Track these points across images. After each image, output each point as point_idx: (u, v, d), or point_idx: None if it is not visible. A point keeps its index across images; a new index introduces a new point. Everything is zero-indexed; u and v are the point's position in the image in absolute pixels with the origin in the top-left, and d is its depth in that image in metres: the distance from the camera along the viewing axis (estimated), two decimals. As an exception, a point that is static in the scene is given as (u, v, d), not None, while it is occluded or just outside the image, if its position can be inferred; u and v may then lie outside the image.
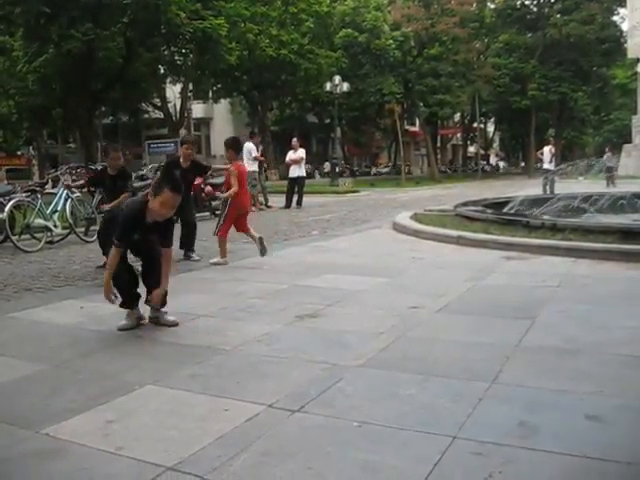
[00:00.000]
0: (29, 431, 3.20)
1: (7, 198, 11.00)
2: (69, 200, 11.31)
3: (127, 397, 3.62)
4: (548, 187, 21.72)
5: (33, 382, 3.97)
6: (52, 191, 11.87)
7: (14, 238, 10.46)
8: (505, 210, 12.52)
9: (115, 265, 4.83)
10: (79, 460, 2.88)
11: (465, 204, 13.35)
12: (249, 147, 18.00)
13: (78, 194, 12.01)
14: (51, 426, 3.24)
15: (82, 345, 4.69)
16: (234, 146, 8.53)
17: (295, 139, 19.57)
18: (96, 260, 9.05)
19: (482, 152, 63.58)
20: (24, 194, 11.46)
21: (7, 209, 10.48)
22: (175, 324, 5.07)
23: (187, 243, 8.84)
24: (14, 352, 4.58)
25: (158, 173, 10.92)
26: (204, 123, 51.26)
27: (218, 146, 48.47)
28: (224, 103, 46.21)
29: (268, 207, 18.65)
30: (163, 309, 5.13)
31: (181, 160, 8.77)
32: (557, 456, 2.81)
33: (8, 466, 2.86)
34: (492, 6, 51.54)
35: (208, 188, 15.67)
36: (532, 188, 22.94)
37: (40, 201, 10.84)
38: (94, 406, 3.49)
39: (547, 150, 22.71)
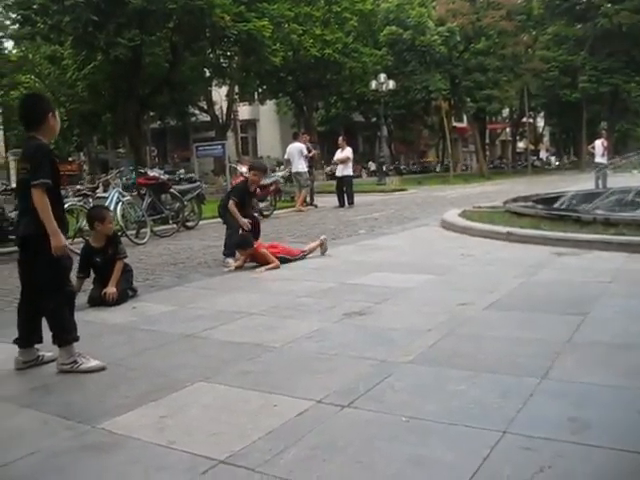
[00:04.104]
0: (86, 425, 3.31)
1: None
2: (120, 204, 11.53)
3: (179, 393, 3.70)
4: (600, 181, 21.28)
5: (88, 379, 4.08)
6: (103, 195, 12.10)
7: (67, 242, 10.68)
8: (556, 205, 12.34)
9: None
10: (134, 453, 2.97)
11: (515, 200, 13.21)
12: (299, 147, 18.04)
13: (129, 197, 12.25)
14: (107, 421, 3.34)
15: (134, 344, 4.81)
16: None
17: (341, 138, 19.55)
18: (146, 261, 9.24)
19: (532, 147, 62.57)
20: (76, 198, 11.72)
21: (60, 213, 10.73)
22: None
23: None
24: (70, 351, 4.70)
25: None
26: (250, 125, 51.67)
27: (265, 147, 48.92)
28: (270, 104, 46.49)
29: (314, 206, 18.69)
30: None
31: (249, 185, 9.12)
32: (608, 451, 2.78)
33: (69, 458, 2.97)
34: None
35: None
36: (584, 183, 22.53)
37: (92, 205, 11.07)
38: (147, 402, 3.58)
39: (599, 143, 22.26)
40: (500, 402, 3.34)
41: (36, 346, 4.47)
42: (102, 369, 4.21)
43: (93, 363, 4.25)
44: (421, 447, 2.89)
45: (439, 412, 3.23)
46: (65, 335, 4.30)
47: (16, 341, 4.42)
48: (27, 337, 4.41)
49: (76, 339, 4.33)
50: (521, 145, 70.61)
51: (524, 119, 58.45)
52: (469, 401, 3.38)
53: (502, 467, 2.69)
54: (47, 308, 4.36)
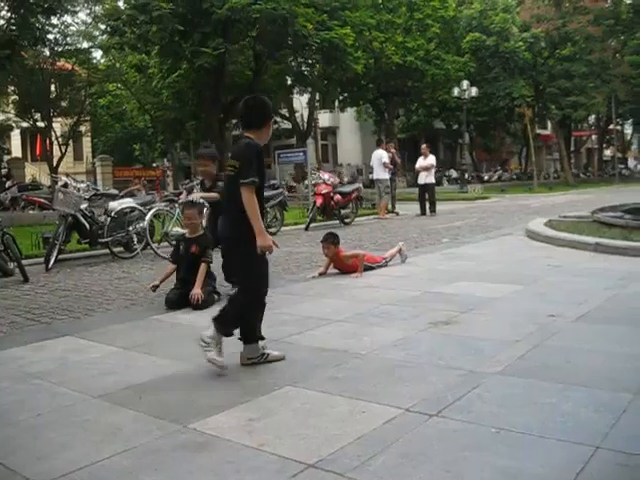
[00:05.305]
0: (178, 425, 3.39)
1: (147, 207, 11.60)
2: (205, 209, 11.74)
3: (267, 397, 3.76)
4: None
5: (178, 380, 4.19)
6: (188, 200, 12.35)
7: (154, 245, 11.03)
8: (646, 215, 11.92)
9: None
10: (225, 454, 3.03)
11: (603, 209, 12.84)
12: (379, 154, 18.04)
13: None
14: (197, 421, 3.42)
15: (222, 347, 4.88)
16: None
17: (425, 145, 19.43)
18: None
19: (619, 155, 60.66)
20: (162, 203, 12.04)
21: (148, 218, 11.06)
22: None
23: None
24: (159, 352, 4.86)
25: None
26: (330, 132, 51.84)
27: (344, 155, 49.02)
28: (350, 112, 46.57)
29: (396, 214, 18.65)
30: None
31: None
32: None
33: (161, 456, 3.05)
34: (628, 1, 49.09)
35: (337, 196, 15.91)
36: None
37: (178, 210, 11.33)
38: (236, 404, 3.65)
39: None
40: (592, 417, 3.27)
41: (261, 343, 4.50)
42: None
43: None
44: (511, 459, 2.85)
45: (530, 424, 3.18)
46: (226, 324, 4.32)
47: (240, 337, 4.50)
48: (246, 334, 4.48)
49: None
50: (608, 153, 68.54)
51: (611, 126, 56.76)
52: (560, 414, 3.31)
53: (597, 483, 2.63)
54: (236, 300, 4.41)
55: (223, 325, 4.31)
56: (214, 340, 4.27)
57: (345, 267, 8.07)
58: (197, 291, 6.38)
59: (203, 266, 6.58)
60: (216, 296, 6.73)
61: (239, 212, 4.18)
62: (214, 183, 7.27)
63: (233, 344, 4.58)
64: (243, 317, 4.38)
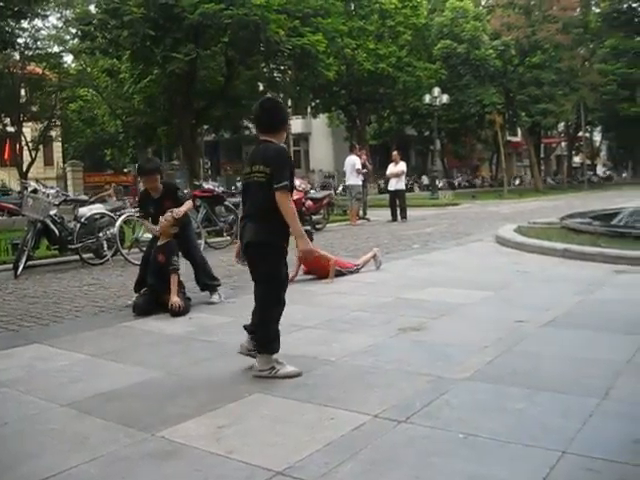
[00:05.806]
0: (146, 433, 3.37)
1: (117, 214, 11.53)
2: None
3: (237, 404, 3.74)
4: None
5: (147, 388, 4.16)
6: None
7: (124, 252, 10.95)
8: (614, 222, 12.09)
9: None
10: (193, 462, 3.02)
11: (572, 216, 12.99)
12: (352, 160, 18.09)
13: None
14: (166, 429, 3.40)
15: (192, 354, 4.88)
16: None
17: (396, 152, 19.51)
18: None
19: (588, 162, 61.42)
20: (133, 210, 11.96)
21: (118, 224, 10.98)
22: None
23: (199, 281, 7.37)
24: (128, 359, 4.82)
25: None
26: (303, 138, 51.87)
27: (316, 161, 49.07)
28: (322, 118, 46.64)
29: (367, 220, 18.69)
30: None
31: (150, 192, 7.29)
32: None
33: (129, 464, 3.03)
34: (597, 10, 49.81)
35: (309, 203, 15.92)
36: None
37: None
38: (205, 411, 3.64)
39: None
40: (559, 421, 3.30)
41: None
42: (298, 375, 4.19)
43: (290, 369, 4.22)
44: (479, 465, 2.87)
45: (497, 430, 3.21)
46: (268, 344, 4.25)
47: (246, 327, 4.43)
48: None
49: (276, 350, 4.26)
50: (577, 160, 69.39)
51: (580, 133, 57.48)
52: (527, 420, 3.35)
53: (563, 488, 2.66)
54: (258, 315, 4.34)
55: (264, 346, 4.25)
56: (270, 362, 4.22)
57: (319, 266, 7.99)
58: (176, 299, 6.38)
59: (173, 276, 6.57)
60: (188, 301, 6.73)
61: (264, 218, 4.13)
62: (169, 195, 7.13)
63: (204, 349, 4.57)
64: (267, 325, 4.29)
